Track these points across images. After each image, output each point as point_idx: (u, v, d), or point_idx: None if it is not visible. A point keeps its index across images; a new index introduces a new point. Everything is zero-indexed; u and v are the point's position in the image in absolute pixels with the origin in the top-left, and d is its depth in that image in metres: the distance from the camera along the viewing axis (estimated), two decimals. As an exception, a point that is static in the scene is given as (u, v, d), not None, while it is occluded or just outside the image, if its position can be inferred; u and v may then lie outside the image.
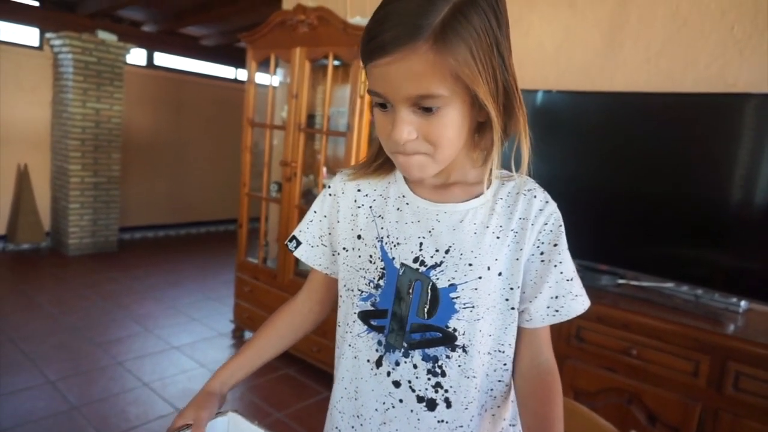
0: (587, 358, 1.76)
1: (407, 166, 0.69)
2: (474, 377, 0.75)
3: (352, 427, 0.83)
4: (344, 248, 0.81)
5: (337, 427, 0.84)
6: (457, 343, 0.74)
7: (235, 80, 6.15)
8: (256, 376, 2.52)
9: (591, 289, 1.85)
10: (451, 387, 0.75)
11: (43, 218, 4.46)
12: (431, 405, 0.76)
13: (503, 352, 0.77)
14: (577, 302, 0.75)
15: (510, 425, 0.82)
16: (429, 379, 0.75)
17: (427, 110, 0.64)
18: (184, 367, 2.64)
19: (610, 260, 1.92)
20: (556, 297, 0.75)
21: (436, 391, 0.75)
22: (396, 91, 0.63)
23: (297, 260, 2.76)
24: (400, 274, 0.75)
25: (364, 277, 0.78)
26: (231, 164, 4.35)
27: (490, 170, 0.74)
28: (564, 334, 1.79)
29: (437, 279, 0.73)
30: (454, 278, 0.73)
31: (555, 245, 0.74)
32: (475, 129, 0.72)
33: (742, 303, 1.71)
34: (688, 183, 1.76)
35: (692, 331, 1.57)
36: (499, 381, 0.78)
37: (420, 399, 0.76)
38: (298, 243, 0.87)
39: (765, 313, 1.73)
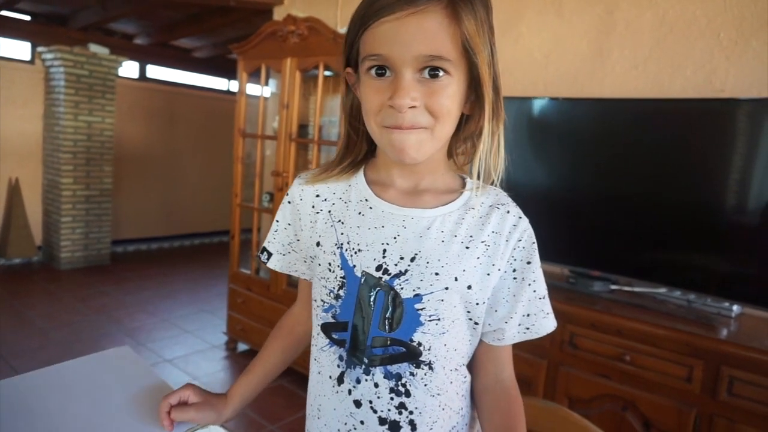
0: (581, 365, 1.75)
1: (403, 143, 0.64)
2: (439, 395, 0.71)
3: None
4: (310, 257, 0.78)
5: None
6: (422, 359, 0.69)
7: (228, 91, 6.15)
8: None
9: (584, 296, 1.85)
10: (416, 408, 0.70)
11: (35, 232, 4.43)
12: (394, 427, 0.70)
13: (464, 366, 0.75)
14: (548, 320, 0.74)
15: None
16: (392, 398, 0.70)
17: (433, 77, 0.62)
18: (176, 381, 2.61)
19: (602, 266, 1.92)
20: (528, 315, 0.73)
21: (400, 413, 0.70)
22: (406, 49, 0.60)
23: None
24: (361, 283, 0.70)
25: (325, 287, 0.74)
26: (223, 175, 4.34)
27: (469, 172, 0.72)
28: (557, 341, 1.79)
29: (401, 289, 0.68)
30: (419, 288, 0.68)
31: (528, 263, 0.72)
32: (461, 119, 0.70)
33: (735, 307, 1.71)
34: (680, 188, 1.77)
35: (685, 337, 1.56)
36: (463, 397, 0.75)
37: (382, 421, 0.70)
38: (270, 254, 0.83)
39: (757, 317, 1.73)
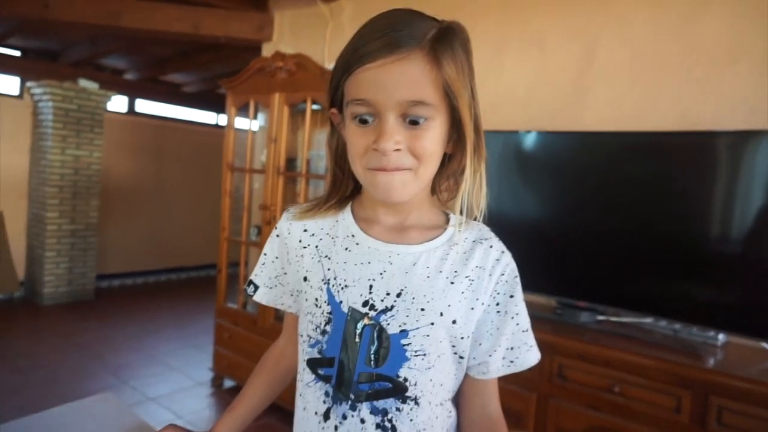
0: (570, 396, 1.74)
1: (389, 184, 0.66)
2: (425, 430, 0.71)
3: None
4: (297, 291, 0.78)
5: None
6: (408, 394, 0.70)
7: (216, 125, 6.20)
8: None
9: (571, 326, 1.86)
10: None
11: (18, 267, 4.36)
12: None
13: (448, 400, 0.75)
14: (532, 353, 0.74)
15: None
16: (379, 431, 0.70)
17: (414, 123, 0.64)
18: (160, 420, 2.54)
19: (589, 297, 1.93)
20: (512, 348, 0.73)
21: None
22: (389, 94, 0.62)
23: (277, 304, 2.72)
24: (348, 318, 0.70)
25: (311, 322, 0.74)
26: (211, 209, 4.34)
27: (453, 208, 0.73)
28: (546, 373, 1.78)
29: (388, 324, 0.69)
30: (405, 324, 0.69)
31: (511, 296, 0.73)
32: (443, 159, 0.71)
33: (720, 336, 1.72)
34: (663, 219, 1.80)
35: (673, 367, 1.56)
36: (450, 429, 0.75)
37: None
38: (256, 287, 0.83)
39: (743, 346, 1.74)
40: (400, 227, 0.74)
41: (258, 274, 0.83)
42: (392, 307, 0.69)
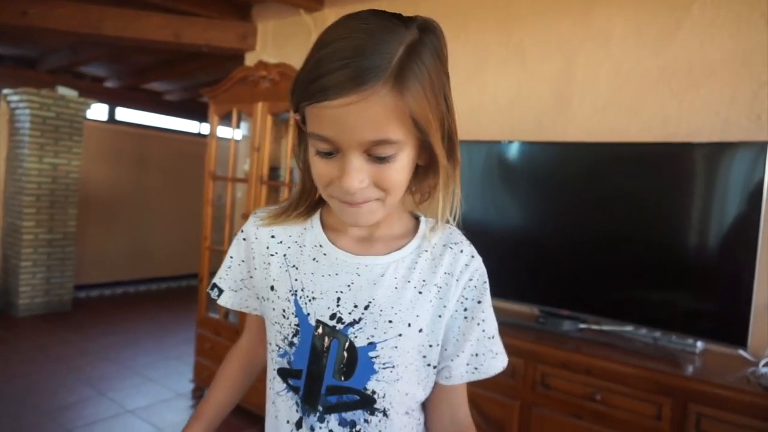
0: (553, 405, 1.75)
1: (356, 215, 0.64)
2: None
3: None
4: (262, 297, 0.76)
5: None
6: (376, 406, 0.69)
7: (199, 134, 6.15)
8: None
9: (554, 335, 1.87)
10: None
11: (-8, 278, 4.26)
12: None
13: (416, 410, 0.74)
14: (497, 360, 0.73)
15: None
16: None
17: (381, 160, 0.59)
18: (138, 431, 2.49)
19: (571, 305, 1.95)
20: (476, 355, 0.72)
21: None
22: (350, 136, 0.57)
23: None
24: (316, 332, 0.69)
25: (279, 332, 0.73)
26: (193, 218, 4.30)
27: (429, 219, 0.73)
28: (530, 382, 1.79)
29: (355, 337, 0.68)
30: (373, 336, 0.68)
31: (479, 302, 0.72)
32: (414, 172, 0.67)
33: (699, 344, 1.75)
34: (643, 228, 1.83)
35: (653, 374, 1.58)
36: None
37: None
38: (221, 291, 0.81)
39: (720, 353, 1.77)
40: (368, 238, 0.72)
41: (223, 278, 0.81)
42: (360, 319, 0.68)
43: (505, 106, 2.37)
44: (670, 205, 1.78)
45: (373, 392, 0.69)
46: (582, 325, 1.94)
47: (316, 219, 0.75)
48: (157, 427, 2.56)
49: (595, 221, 1.93)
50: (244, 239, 0.79)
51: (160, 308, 4.78)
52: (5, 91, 4.26)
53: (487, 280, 0.73)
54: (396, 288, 0.69)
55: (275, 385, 0.74)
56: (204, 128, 6.21)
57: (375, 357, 0.68)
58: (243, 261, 0.79)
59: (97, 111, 5.12)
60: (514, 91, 2.35)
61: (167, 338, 3.91)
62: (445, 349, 0.72)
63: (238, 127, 2.84)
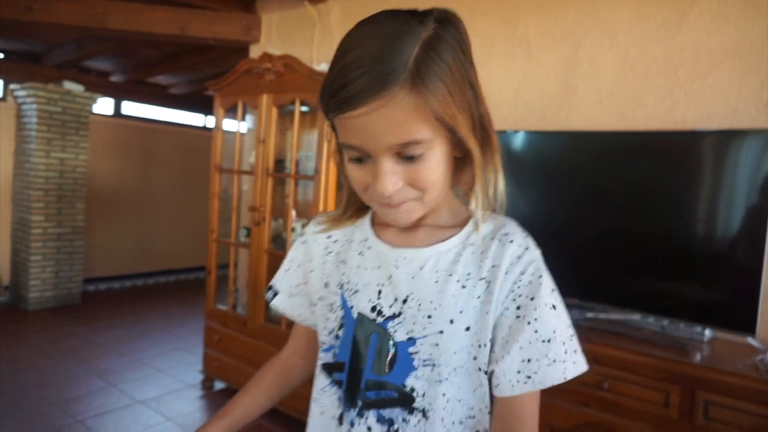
0: (561, 393, 1.75)
1: (395, 216, 0.64)
2: None
3: None
4: (318, 297, 0.76)
5: None
6: (415, 405, 0.66)
7: (204, 127, 6.16)
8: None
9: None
10: None
11: (3, 271, 4.30)
12: None
13: (474, 418, 0.67)
14: (555, 369, 0.63)
15: None
16: None
17: (410, 159, 0.59)
18: (149, 423, 2.52)
19: (578, 294, 1.95)
20: (528, 360, 0.63)
21: None
22: (376, 141, 0.58)
23: (267, 306, 2.71)
24: (357, 324, 0.69)
25: (326, 327, 0.73)
26: (200, 211, 4.31)
27: (471, 210, 0.69)
28: (537, 371, 1.79)
29: (395, 331, 0.67)
30: (412, 331, 0.66)
31: (532, 299, 0.64)
32: (454, 165, 0.66)
33: (707, 332, 1.75)
34: (651, 217, 1.82)
35: (661, 362, 1.59)
36: None
37: None
38: (276, 293, 0.82)
39: (728, 341, 1.77)
40: (412, 230, 0.71)
41: (280, 280, 0.82)
42: (399, 313, 0.67)
43: (510, 96, 2.36)
44: (677, 193, 1.77)
45: (412, 390, 0.66)
46: (589, 314, 1.94)
47: (367, 215, 0.76)
48: (167, 417, 2.59)
49: (602, 210, 1.93)
50: (304, 242, 0.80)
51: (169, 301, 4.82)
52: (12, 86, 4.28)
53: (543, 274, 0.67)
54: (437, 282, 0.66)
55: (319, 381, 0.74)
56: (210, 121, 6.22)
57: (414, 353, 0.66)
58: (300, 265, 0.80)
59: (104, 105, 5.14)
60: (519, 81, 2.34)
61: (176, 330, 3.94)
62: (493, 352, 0.65)
63: (243, 119, 2.84)
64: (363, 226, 0.75)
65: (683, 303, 1.77)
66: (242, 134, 2.89)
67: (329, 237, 0.78)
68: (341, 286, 0.72)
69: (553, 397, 1.76)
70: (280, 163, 2.80)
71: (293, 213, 2.63)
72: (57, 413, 2.57)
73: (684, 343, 1.72)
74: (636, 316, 1.89)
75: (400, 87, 0.55)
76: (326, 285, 0.75)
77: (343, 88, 0.56)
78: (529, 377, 0.63)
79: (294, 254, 0.82)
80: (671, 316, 1.79)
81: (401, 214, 0.64)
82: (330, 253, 0.76)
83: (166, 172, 5.55)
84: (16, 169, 4.35)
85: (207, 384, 2.95)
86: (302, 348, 0.85)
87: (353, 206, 0.75)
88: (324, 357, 0.74)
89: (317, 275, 0.77)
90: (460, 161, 0.66)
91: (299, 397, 2.44)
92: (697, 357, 1.62)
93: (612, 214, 1.90)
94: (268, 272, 2.66)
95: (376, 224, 0.75)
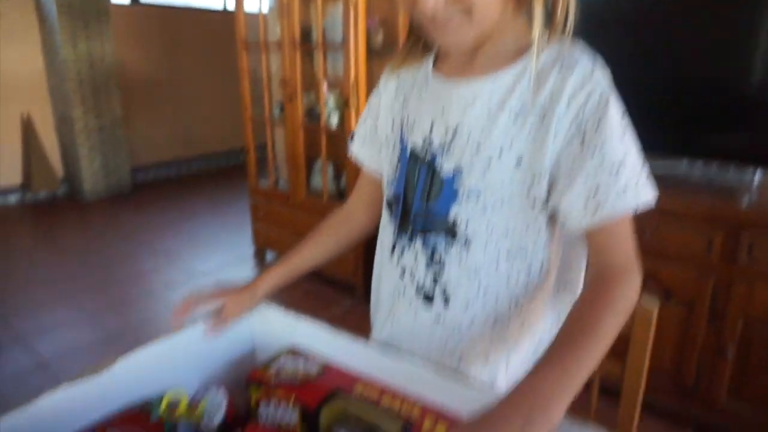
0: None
1: (444, 38, 0.63)
2: (477, 277, 0.68)
3: (375, 311, 0.86)
4: (385, 139, 0.80)
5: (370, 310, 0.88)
6: (457, 233, 0.68)
7: (225, 11, 5.91)
8: (273, 296, 2.61)
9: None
10: (449, 283, 0.70)
11: (55, 166, 4.50)
12: (428, 299, 0.72)
13: (525, 251, 0.67)
14: (625, 198, 0.59)
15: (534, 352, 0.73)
16: (428, 269, 0.71)
17: None
18: (211, 292, 2.74)
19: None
20: (596, 191, 0.59)
21: (435, 282, 0.71)
22: None
23: (308, 179, 2.78)
24: (410, 158, 0.72)
25: (389, 163, 0.77)
26: (232, 94, 4.26)
27: (531, 37, 0.62)
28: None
29: (442, 162, 0.68)
30: (460, 162, 0.66)
31: (598, 125, 0.59)
32: None
33: (756, 177, 1.69)
34: (699, 58, 1.70)
35: (706, 208, 1.57)
36: (522, 291, 0.69)
37: (419, 290, 0.73)
38: (353, 138, 0.88)
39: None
40: (469, 62, 0.68)
41: (357, 129, 0.87)
42: (449, 145, 0.68)
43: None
44: (730, 36, 1.62)
45: (456, 219, 0.68)
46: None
47: (431, 53, 0.75)
48: (226, 287, 2.80)
49: (649, 53, 1.80)
50: (377, 90, 0.83)
51: (213, 185, 4.99)
52: (26, -25, 4.14)
53: (612, 99, 0.61)
54: (489, 112, 0.65)
55: (384, 217, 0.80)
56: (229, 3, 5.94)
57: (460, 183, 0.67)
58: (373, 112, 0.83)
59: (120, -8, 4.94)
60: None
61: (224, 210, 4.13)
62: (556, 186, 0.63)
63: (264, -11, 2.69)
64: (426, 64, 0.75)
65: (733, 147, 1.70)
66: (264, 15, 2.75)
67: (398, 77, 0.79)
68: (402, 124, 0.75)
69: (593, 247, 1.79)
70: (306, 35, 2.69)
71: (324, 85, 2.57)
72: (130, 286, 2.81)
73: (732, 189, 1.68)
74: (684, 164, 1.83)
75: None
76: (392, 125, 0.78)
77: None
78: (597, 208, 0.60)
79: (369, 103, 0.85)
80: (720, 159, 1.73)
81: (449, 35, 0.62)
82: (397, 95, 0.78)
83: (193, 57, 5.45)
84: (48, 65, 4.36)
85: (259, 255, 3.13)
86: (365, 198, 0.88)
87: (413, 40, 0.75)
88: (386, 193, 0.78)
89: (385, 118, 0.80)
90: None
91: (341, 260, 2.57)
92: (745, 201, 1.58)
93: (661, 60, 1.78)
94: (305, 145, 2.68)
95: (437, 59, 0.74)
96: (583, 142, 0.60)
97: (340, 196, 2.69)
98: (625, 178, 0.59)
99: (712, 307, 1.59)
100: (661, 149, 1.83)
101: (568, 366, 0.49)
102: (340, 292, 2.69)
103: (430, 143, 0.69)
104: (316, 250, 0.86)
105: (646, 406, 0.85)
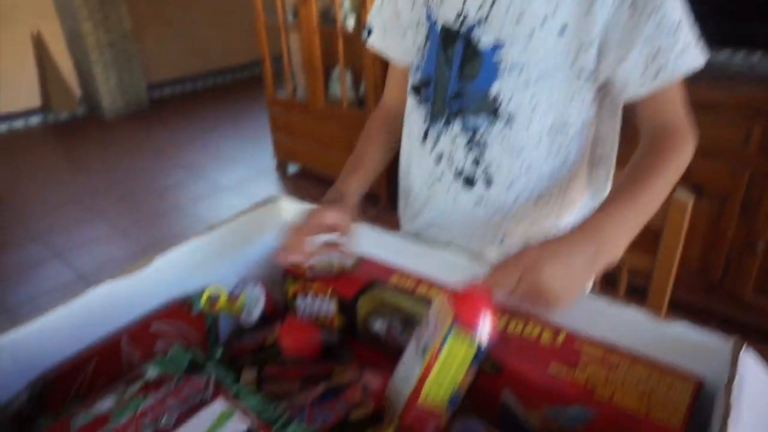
0: (634, 136, 1.72)
1: None
2: (521, 156, 0.66)
3: (404, 205, 0.84)
4: (408, 20, 0.74)
5: (398, 207, 0.86)
6: (499, 112, 0.65)
7: None
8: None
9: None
10: (492, 162, 0.68)
11: (71, 85, 4.46)
12: (469, 182, 0.70)
13: (567, 131, 0.66)
14: (686, 57, 0.58)
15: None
16: (469, 151, 0.68)
17: None
18: (235, 205, 2.78)
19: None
20: (656, 54, 0.57)
21: (477, 164, 0.68)
22: None
23: (326, 87, 2.70)
24: (442, 33, 0.67)
25: (415, 45, 0.72)
26: (243, 1, 4.05)
27: None
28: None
29: (480, 36, 0.63)
30: (500, 35, 0.62)
31: None
32: None
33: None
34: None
35: (746, 99, 1.49)
36: (563, 166, 0.68)
37: (458, 174, 0.70)
38: (370, 31, 0.79)
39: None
40: None
41: (374, 16, 0.79)
42: (486, 17, 0.63)
43: None
44: None
45: (497, 96, 0.65)
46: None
47: None
48: (251, 200, 2.83)
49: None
50: None
51: (230, 99, 4.91)
52: None
53: None
54: None
55: (409, 104, 0.75)
56: None
57: (501, 57, 0.63)
58: None
59: None
60: None
61: (243, 123, 4.09)
62: (609, 53, 0.60)
63: None
64: None
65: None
66: None
67: None
68: (427, 0, 0.69)
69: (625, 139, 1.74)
70: (316, -74, 2.49)
71: (339, -16, 2.42)
72: (157, 201, 2.87)
73: (775, 77, 1.58)
74: (724, 54, 1.72)
75: None
76: (413, 3, 0.72)
77: None
78: (658, 72, 0.59)
79: None
80: (765, 49, 1.61)
81: None
82: None
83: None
84: (50, -23, 4.19)
85: (281, 168, 3.13)
86: (395, 92, 0.83)
87: None
88: (413, 79, 0.73)
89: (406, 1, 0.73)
90: None
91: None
92: (789, 90, 1.49)
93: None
94: (322, 52, 2.58)
95: None
96: (633, 9, 0.57)
97: (360, 103, 2.62)
98: (683, 38, 0.58)
99: (744, 201, 1.55)
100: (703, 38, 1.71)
101: (633, 205, 0.53)
102: (364, 202, 2.70)
103: (465, 17, 0.64)
104: (382, 149, 0.81)
105: (670, 302, 0.85)
